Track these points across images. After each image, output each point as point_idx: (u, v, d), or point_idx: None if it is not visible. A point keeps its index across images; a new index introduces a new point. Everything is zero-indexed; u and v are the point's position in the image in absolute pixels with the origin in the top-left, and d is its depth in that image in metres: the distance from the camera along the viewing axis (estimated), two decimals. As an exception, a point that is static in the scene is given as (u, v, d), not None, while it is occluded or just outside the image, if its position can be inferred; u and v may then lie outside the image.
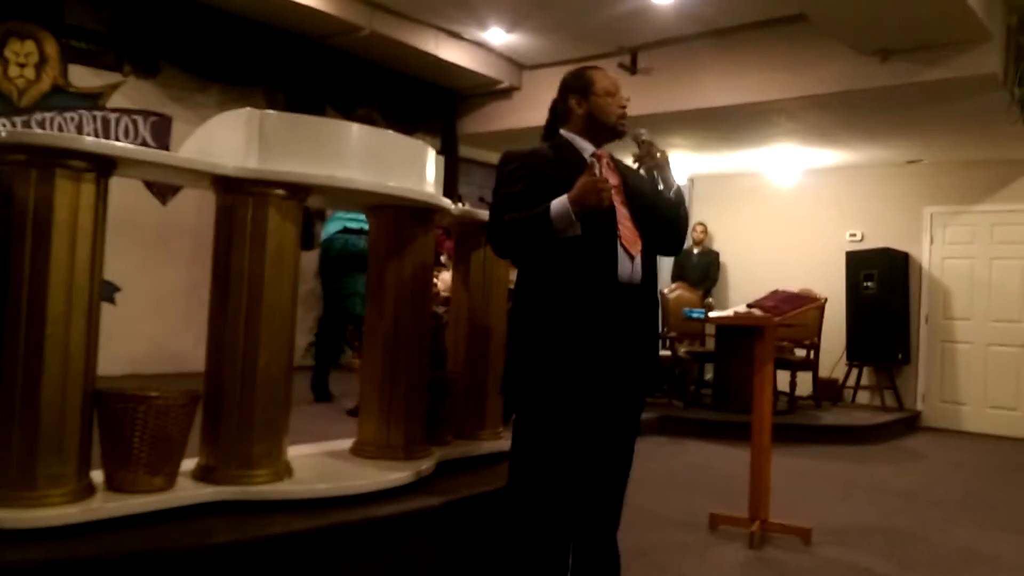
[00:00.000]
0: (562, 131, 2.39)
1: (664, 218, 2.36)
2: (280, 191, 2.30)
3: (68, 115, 5.37)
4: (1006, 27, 5.29)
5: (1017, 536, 4.08)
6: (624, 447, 2.36)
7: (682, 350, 7.28)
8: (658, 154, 2.35)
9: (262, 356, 2.26)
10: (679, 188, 2.40)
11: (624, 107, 2.36)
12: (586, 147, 2.34)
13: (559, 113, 2.41)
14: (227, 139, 2.34)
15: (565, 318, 2.16)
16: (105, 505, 2.05)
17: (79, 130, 5.36)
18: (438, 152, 7.95)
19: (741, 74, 5.98)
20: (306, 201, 2.46)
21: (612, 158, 2.41)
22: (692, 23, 5.85)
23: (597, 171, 2.15)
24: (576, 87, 2.36)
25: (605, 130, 2.35)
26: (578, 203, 2.08)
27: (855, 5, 4.70)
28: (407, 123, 7.33)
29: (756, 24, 5.82)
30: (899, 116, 6.27)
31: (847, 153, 7.85)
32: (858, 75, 5.52)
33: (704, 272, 8.59)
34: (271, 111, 2.38)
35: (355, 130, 2.55)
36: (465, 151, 8.01)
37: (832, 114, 6.31)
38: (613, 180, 2.27)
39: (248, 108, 2.33)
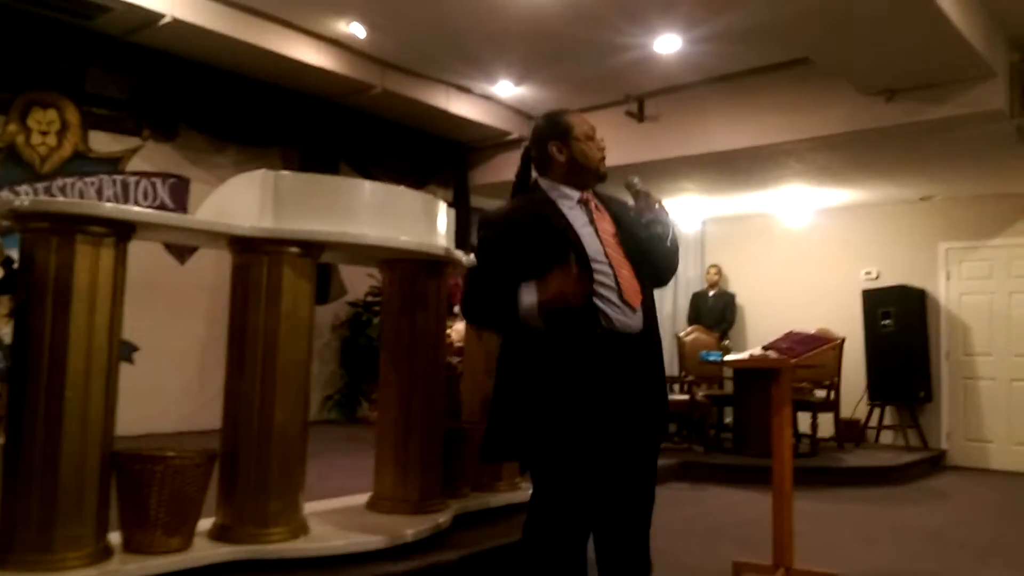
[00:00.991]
0: (541, 180, 2.29)
1: (660, 263, 2.31)
2: (294, 249, 2.35)
3: (89, 180, 5.51)
4: (1009, 63, 5.34)
5: (1050, 578, 3.98)
6: (642, 494, 2.29)
7: (700, 394, 7.22)
8: (656, 205, 2.29)
9: (278, 413, 2.28)
10: (675, 234, 2.35)
11: (603, 149, 2.30)
12: (571, 194, 2.24)
13: (536, 161, 2.31)
14: (243, 200, 2.40)
15: (564, 376, 2.07)
16: (123, 567, 2.06)
17: (99, 194, 5.48)
18: (450, 204, 8.08)
19: (747, 118, 6.05)
20: (320, 258, 2.50)
21: (599, 196, 2.33)
22: (695, 71, 5.95)
23: (572, 267, 2.03)
24: (555, 133, 2.26)
25: (589, 175, 2.27)
26: (547, 305, 2.02)
27: (858, 47, 4.76)
28: (419, 176, 7.46)
29: (759, 69, 5.90)
30: (908, 154, 6.30)
31: (858, 191, 7.86)
32: (864, 115, 5.57)
33: (720, 314, 8.56)
34: (285, 172, 2.45)
35: (367, 187, 2.61)
36: (477, 201, 8.10)
37: (840, 154, 6.35)
38: (608, 227, 2.22)
39: (263, 170, 2.39)
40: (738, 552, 3.92)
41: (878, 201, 8.23)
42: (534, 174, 2.35)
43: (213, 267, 5.66)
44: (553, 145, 2.25)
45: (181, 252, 5.68)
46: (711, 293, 8.71)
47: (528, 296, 2.03)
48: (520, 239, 2.14)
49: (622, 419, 2.14)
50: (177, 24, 5.00)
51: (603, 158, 2.30)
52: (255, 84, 6.09)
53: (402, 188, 2.72)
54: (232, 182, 2.51)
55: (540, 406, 2.09)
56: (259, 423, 2.26)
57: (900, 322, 7.80)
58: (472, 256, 2.83)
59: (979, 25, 4.69)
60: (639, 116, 6.55)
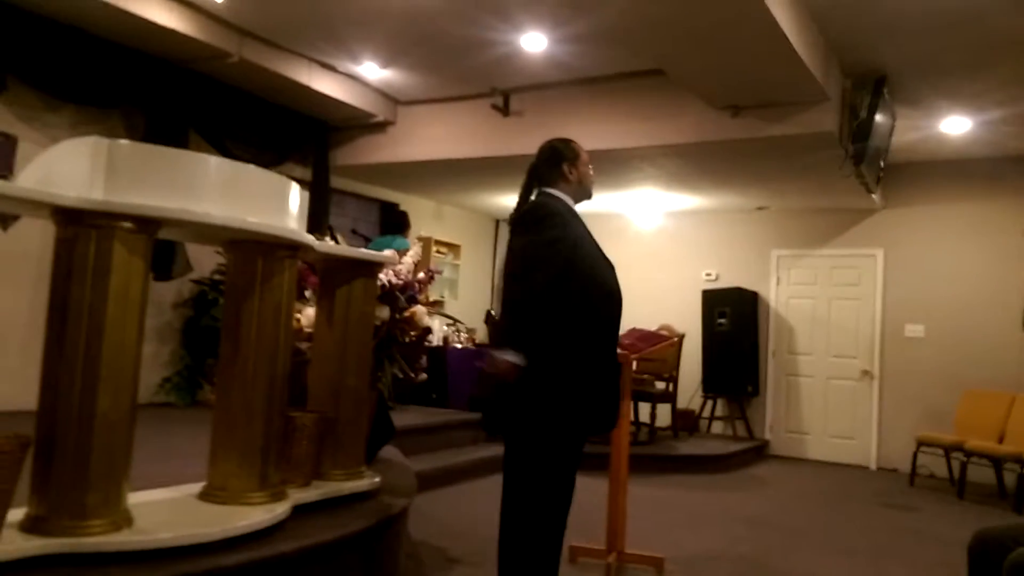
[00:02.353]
0: (550, 190, 2.74)
1: None
2: (127, 224, 2.20)
3: None
4: (842, 89, 5.82)
5: (850, 559, 4.41)
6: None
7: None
8: None
9: (101, 399, 2.13)
10: None
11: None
12: (573, 206, 2.76)
13: (544, 175, 2.76)
14: (71, 168, 2.22)
15: (595, 364, 2.59)
16: (-86, 564, 1.87)
17: (-95, 146, 4.91)
18: (309, 183, 7.81)
19: (606, 121, 6.26)
20: (157, 235, 2.36)
21: None
22: (560, 70, 6.08)
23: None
24: (569, 157, 2.77)
25: (586, 194, 2.83)
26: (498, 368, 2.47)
27: (706, 64, 5.04)
28: (277, 152, 7.18)
29: (620, 75, 6.13)
30: (748, 166, 6.75)
31: (704, 198, 8.34)
32: (712, 127, 5.91)
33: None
34: (121, 140, 2.28)
35: (213, 163, 2.49)
36: (338, 182, 7.91)
37: (689, 162, 6.71)
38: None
39: (95, 137, 2.22)
40: (575, 537, 4.08)
41: (720, 208, 8.77)
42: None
43: (41, 235, 5.21)
44: (567, 165, 2.76)
45: (3, 218, 5.20)
46: (565, 287, 8.96)
47: (513, 356, 2.47)
48: (578, 236, 2.62)
49: (608, 406, 2.69)
50: (8, -33, 4.56)
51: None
52: (98, 40, 5.63)
53: (251, 167, 2.61)
54: (61, 147, 2.32)
55: (577, 391, 2.52)
56: (79, 409, 2.11)
57: (734, 321, 8.37)
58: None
59: (817, 52, 5.08)
60: (504, 110, 6.62)
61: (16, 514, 2.16)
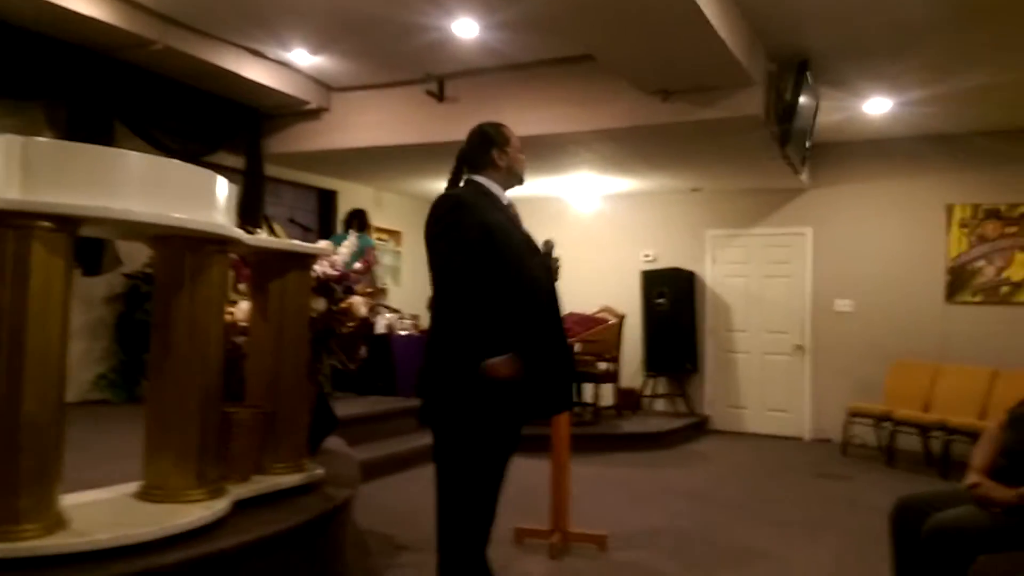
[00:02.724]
0: (476, 177, 2.67)
1: None
2: (46, 223, 2.15)
3: None
4: (767, 73, 5.97)
5: (786, 529, 4.59)
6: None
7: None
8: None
9: (27, 402, 2.09)
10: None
11: (524, 160, 2.77)
12: (502, 195, 2.68)
13: (473, 161, 2.69)
14: (-15, 167, 2.16)
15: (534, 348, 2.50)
16: None
17: None
18: (242, 171, 7.66)
19: (540, 106, 6.30)
20: (78, 233, 2.31)
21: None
22: (493, 56, 6.09)
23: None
24: (499, 141, 2.68)
25: (516, 180, 2.74)
26: (492, 373, 2.38)
27: (633, 50, 5.11)
28: (208, 141, 7.02)
29: (552, 61, 6.16)
30: (680, 149, 6.88)
31: (640, 181, 8.47)
32: (643, 112, 6.00)
33: (514, 292, 8.89)
34: (36, 138, 2.22)
35: (134, 158, 2.44)
36: (273, 171, 7.78)
37: (623, 146, 6.80)
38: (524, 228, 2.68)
39: (8, 135, 2.16)
40: (520, 519, 4.16)
41: (656, 190, 8.92)
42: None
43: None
44: (496, 151, 2.67)
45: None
46: (507, 272, 9.01)
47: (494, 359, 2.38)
48: (490, 223, 2.48)
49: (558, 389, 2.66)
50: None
51: (524, 168, 2.77)
52: (16, 30, 5.40)
53: (175, 161, 2.56)
54: (-28, 146, 2.25)
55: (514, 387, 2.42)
56: (5, 412, 2.06)
57: (673, 300, 8.55)
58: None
59: (742, 37, 5.20)
60: (439, 96, 6.60)
61: (-60, 523, 2.11)
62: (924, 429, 6.72)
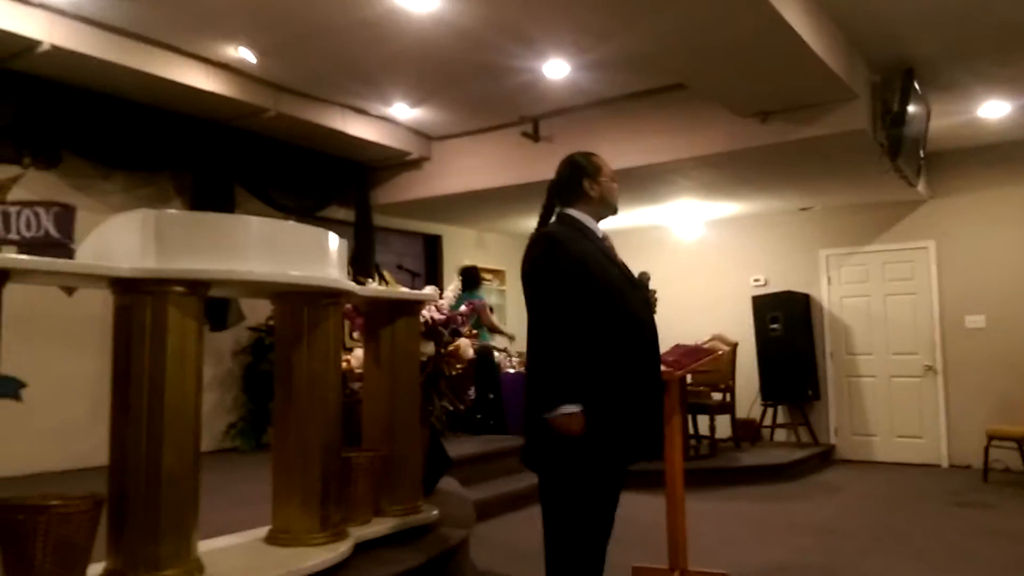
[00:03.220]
0: (569, 211, 2.62)
1: None
2: (179, 288, 2.34)
3: (-35, 211, 5.23)
4: (871, 85, 5.77)
5: (923, 563, 4.30)
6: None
7: (604, 403, 7.42)
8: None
9: (166, 456, 2.26)
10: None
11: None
12: (595, 227, 2.62)
13: (565, 192, 2.64)
14: (123, 240, 2.37)
15: (634, 392, 2.48)
16: (6, 622, 2.00)
17: (-24, 225, 5.21)
18: (352, 223, 8.00)
19: (635, 138, 6.30)
20: (207, 294, 2.50)
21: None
22: (583, 95, 6.16)
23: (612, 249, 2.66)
24: (590, 172, 2.63)
25: (609, 210, 2.67)
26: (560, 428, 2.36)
27: (726, 74, 5.06)
28: (319, 197, 7.40)
29: (643, 93, 6.17)
30: (784, 169, 6.70)
31: (743, 204, 8.29)
32: (741, 136, 5.91)
33: (621, 325, 8.82)
34: (168, 211, 2.44)
35: (254, 223, 2.62)
36: (381, 220, 8.11)
37: (723, 171, 6.70)
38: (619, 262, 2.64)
39: (144, 209, 2.37)
40: (638, 557, 4.08)
41: (762, 212, 8.70)
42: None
43: (103, 299, 5.46)
44: (587, 181, 2.61)
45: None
46: (612, 304, 8.97)
47: (569, 407, 2.35)
48: (587, 260, 2.47)
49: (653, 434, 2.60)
50: (56, 51, 4.84)
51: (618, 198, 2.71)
52: (142, 108, 5.93)
53: (290, 223, 2.74)
54: (112, 221, 2.48)
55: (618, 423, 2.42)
56: (147, 466, 2.24)
57: (787, 326, 8.25)
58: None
59: (840, 51, 5.06)
60: (535, 137, 6.72)
61: (95, 568, 2.30)
62: (1077, 451, 6.17)
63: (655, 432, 2.57)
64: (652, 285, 2.80)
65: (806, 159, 6.29)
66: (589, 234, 2.58)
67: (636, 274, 2.67)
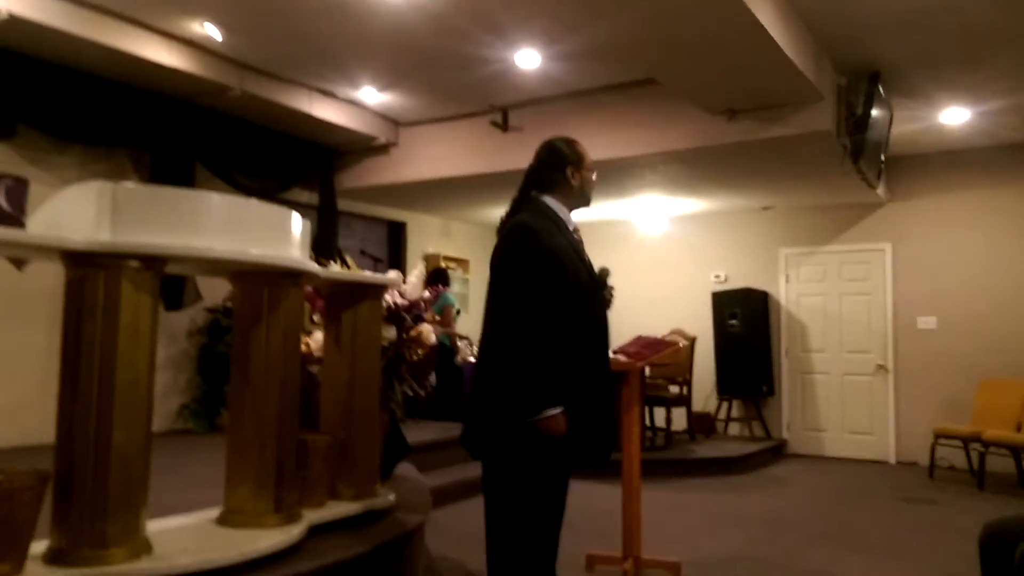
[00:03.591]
0: (544, 198, 2.51)
1: None
2: (134, 263, 2.29)
3: (-90, 179, 5.05)
4: (836, 87, 5.86)
5: (869, 556, 4.41)
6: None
7: (564, 394, 7.46)
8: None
9: (116, 433, 2.21)
10: None
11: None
12: (568, 218, 2.53)
13: (544, 180, 2.53)
14: (77, 212, 2.31)
15: (594, 381, 2.43)
16: (-57, 599, 1.95)
17: (-78, 194, 5.04)
18: (316, 207, 7.92)
19: (604, 132, 6.32)
20: (164, 271, 2.45)
21: None
22: (555, 85, 6.16)
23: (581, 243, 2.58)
24: (573, 160, 2.53)
25: (584, 201, 2.58)
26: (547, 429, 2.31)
27: (697, 70, 5.09)
28: (283, 179, 7.30)
29: (613, 86, 6.20)
30: (749, 168, 6.78)
31: (708, 201, 8.38)
32: (709, 132, 5.96)
33: (583, 317, 8.88)
34: (125, 183, 2.37)
35: (214, 199, 2.57)
36: (345, 205, 8.02)
37: (690, 167, 6.76)
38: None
39: (99, 181, 2.31)
40: (593, 544, 4.13)
41: (725, 210, 8.80)
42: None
43: (55, 274, 5.33)
44: (570, 169, 2.52)
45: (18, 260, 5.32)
46: (575, 296, 9.02)
47: (552, 410, 2.30)
48: (562, 259, 2.39)
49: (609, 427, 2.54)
50: (14, 20, 4.68)
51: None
52: (101, 82, 5.77)
53: (253, 200, 2.69)
54: (66, 192, 2.41)
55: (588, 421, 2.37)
56: (95, 443, 2.19)
57: (746, 322, 8.38)
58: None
59: (808, 53, 5.13)
60: (503, 126, 6.71)
61: (38, 547, 2.24)
62: (1016, 450, 6.37)
63: (613, 430, 2.56)
64: (610, 281, 2.73)
65: (770, 158, 6.37)
66: (562, 226, 2.49)
67: (597, 269, 2.59)
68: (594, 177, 2.60)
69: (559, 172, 2.52)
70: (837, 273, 8.40)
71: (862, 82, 5.71)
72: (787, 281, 8.65)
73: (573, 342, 2.36)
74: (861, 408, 8.14)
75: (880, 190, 7.52)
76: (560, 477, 2.45)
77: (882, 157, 6.60)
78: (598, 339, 2.46)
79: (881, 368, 8.05)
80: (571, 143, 2.59)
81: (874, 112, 5.73)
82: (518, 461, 2.38)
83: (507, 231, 2.45)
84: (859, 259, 8.26)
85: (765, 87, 5.33)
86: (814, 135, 5.74)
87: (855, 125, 5.77)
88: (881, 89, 5.73)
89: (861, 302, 8.24)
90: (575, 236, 2.55)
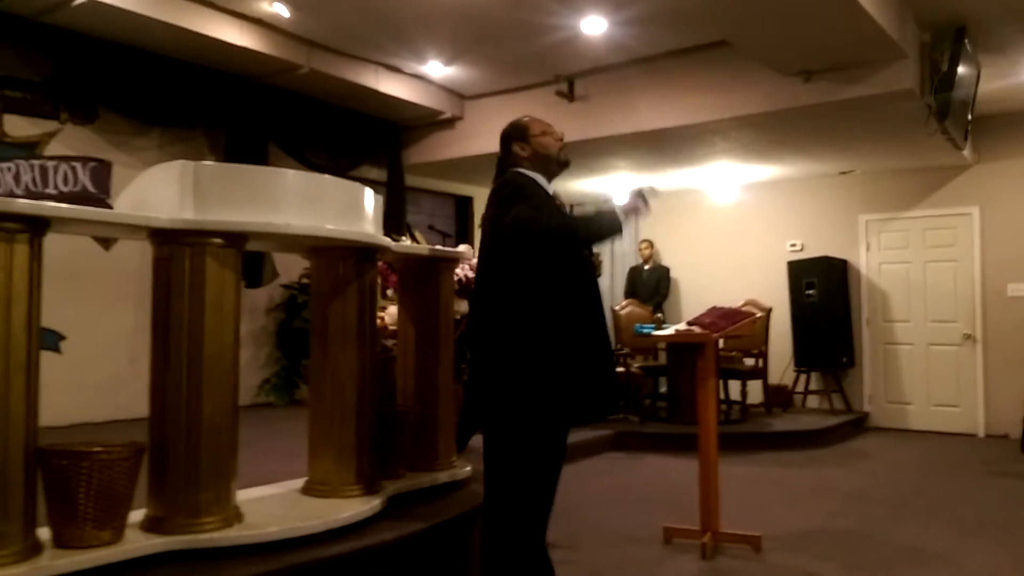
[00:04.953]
0: (520, 169, 2.57)
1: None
2: (217, 240, 2.35)
3: (4, 166, 5.25)
4: (919, 44, 5.57)
5: (955, 532, 4.25)
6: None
7: (635, 365, 7.41)
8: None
9: (206, 405, 2.29)
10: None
11: (561, 139, 2.61)
12: (546, 185, 2.56)
13: (505, 162, 2.60)
14: (162, 191, 2.38)
15: (584, 348, 2.39)
16: (53, 563, 2.05)
17: (16, 180, 5.25)
18: (384, 183, 8.00)
19: (673, 98, 6.17)
20: (245, 247, 2.50)
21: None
22: (622, 52, 6.03)
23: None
24: (516, 135, 2.59)
25: (552, 162, 2.59)
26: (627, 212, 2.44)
27: (773, 30, 4.91)
28: (352, 156, 7.39)
29: (682, 51, 6.03)
30: (826, 131, 6.53)
31: (782, 167, 8.11)
32: (783, 95, 5.75)
33: (654, 287, 8.77)
34: (206, 162, 2.43)
35: (291, 176, 2.61)
36: (412, 180, 8.08)
37: (763, 132, 6.55)
38: None
39: (182, 161, 2.37)
40: (669, 518, 4.09)
41: (801, 176, 8.51)
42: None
43: (140, 253, 5.53)
44: (516, 145, 2.58)
45: (105, 239, 5.54)
46: (646, 267, 8.91)
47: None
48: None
49: (606, 392, 2.48)
50: (93, 4, 4.84)
51: (561, 147, 2.61)
52: (177, 64, 5.93)
53: (327, 177, 2.73)
54: (150, 172, 2.48)
55: (564, 378, 2.34)
56: (187, 415, 2.27)
57: (824, 291, 8.12)
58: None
59: (890, 9, 4.88)
60: (569, 96, 6.62)
61: (136, 515, 2.34)
62: (1121, 423, 6.02)
63: (610, 392, 2.50)
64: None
65: (849, 120, 6.12)
66: (538, 188, 2.54)
67: None
68: (550, 137, 2.59)
69: (509, 153, 2.59)
70: (921, 239, 8.05)
71: (947, 38, 5.42)
72: (867, 249, 8.33)
73: (567, 296, 2.38)
74: (947, 379, 7.82)
75: (967, 151, 7.14)
76: (559, 436, 2.42)
77: (969, 116, 6.26)
78: (589, 293, 2.46)
79: (968, 338, 7.70)
80: (514, 122, 2.65)
81: (960, 69, 5.43)
82: (519, 422, 2.35)
83: (500, 185, 2.53)
84: (945, 224, 7.89)
85: (844, 46, 5.10)
86: (896, 95, 5.48)
87: (940, 83, 5.49)
88: (968, 45, 5.42)
89: (947, 269, 7.88)
90: (555, 201, 2.57)
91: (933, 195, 7.94)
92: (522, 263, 2.35)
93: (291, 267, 6.74)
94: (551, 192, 2.58)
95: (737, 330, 3.88)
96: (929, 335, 7.98)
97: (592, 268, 2.56)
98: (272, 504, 2.73)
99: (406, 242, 3.57)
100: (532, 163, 2.56)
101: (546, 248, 2.36)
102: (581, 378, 2.36)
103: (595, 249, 2.59)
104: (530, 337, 2.33)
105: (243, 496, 2.62)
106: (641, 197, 2.48)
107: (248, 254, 2.95)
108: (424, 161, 7.81)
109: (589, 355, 2.39)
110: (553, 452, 2.40)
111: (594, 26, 5.49)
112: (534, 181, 2.53)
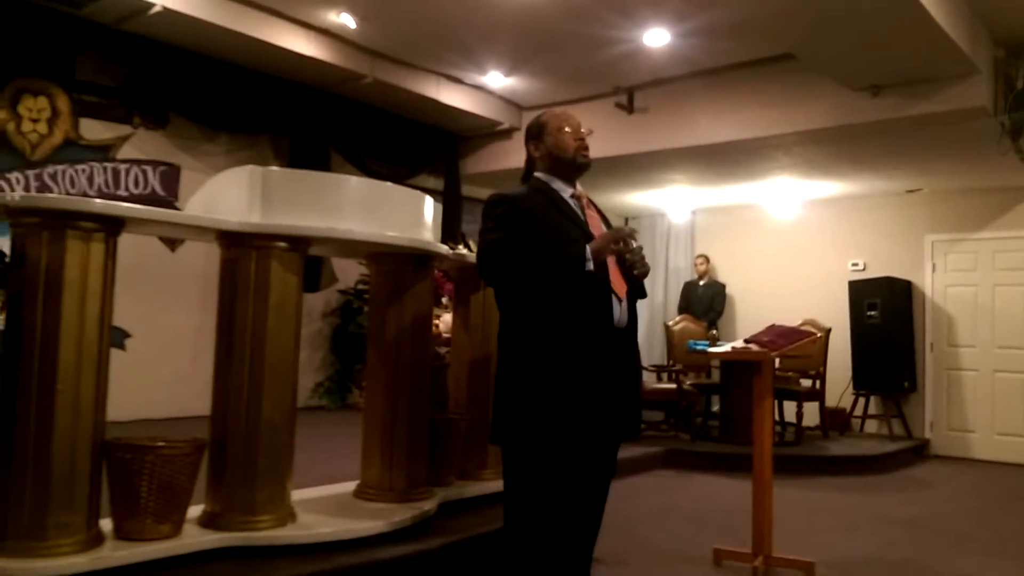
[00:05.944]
0: (537, 174, 2.45)
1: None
2: (282, 244, 2.40)
3: (79, 167, 5.52)
4: (993, 59, 5.39)
5: (1018, 563, 4.07)
6: (604, 486, 2.45)
7: (687, 382, 7.31)
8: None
9: (266, 404, 2.33)
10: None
11: (583, 138, 2.41)
12: (564, 188, 2.39)
13: (528, 167, 2.51)
14: (231, 195, 2.44)
15: (569, 363, 2.18)
16: (113, 554, 2.11)
17: (90, 182, 5.50)
18: (441, 192, 8.07)
19: (734, 111, 6.09)
20: (308, 252, 2.55)
21: (591, 200, 2.49)
22: (683, 64, 5.98)
23: (580, 210, 2.33)
24: (532, 134, 2.45)
25: (567, 164, 2.39)
26: (598, 253, 2.20)
27: (841, 44, 4.81)
28: (411, 165, 7.48)
29: (746, 63, 5.95)
30: (894, 148, 6.36)
31: (846, 184, 7.93)
32: (850, 110, 5.62)
33: (709, 304, 8.64)
34: (273, 168, 2.49)
35: (354, 183, 2.65)
36: (468, 190, 8.14)
37: (827, 148, 6.41)
38: (597, 224, 2.38)
39: (251, 166, 2.43)
40: (720, 539, 4.01)
41: (865, 193, 8.30)
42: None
43: (205, 255, 5.68)
44: (531, 144, 2.45)
45: (172, 239, 5.72)
46: (701, 283, 8.79)
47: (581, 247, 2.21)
48: (529, 211, 2.29)
49: (607, 410, 2.24)
50: (167, 13, 5.02)
51: (581, 147, 2.41)
52: (245, 72, 6.10)
53: (389, 184, 2.77)
54: (221, 177, 2.56)
55: (547, 393, 2.18)
56: (247, 414, 2.32)
57: (886, 313, 7.89)
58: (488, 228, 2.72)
59: (963, 23, 4.74)
60: (629, 108, 6.59)
61: (194, 511, 2.40)
62: None
63: (617, 413, 2.28)
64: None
65: (918, 137, 5.95)
66: (552, 195, 2.36)
67: (613, 227, 2.40)
68: (567, 135, 2.39)
69: (528, 154, 2.47)
70: (990, 262, 7.77)
71: (1022, 54, 5.24)
72: (933, 270, 8.08)
73: (555, 293, 2.20)
74: (1014, 408, 7.51)
75: (1042, 171, 6.88)
76: (551, 455, 2.22)
77: (1046, 135, 6.03)
78: (586, 291, 2.23)
79: (1039, 366, 7.39)
80: (535, 118, 2.50)
81: (1037, 86, 5.24)
82: (520, 439, 2.23)
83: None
84: (1015, 247, 7.60)
85: (914, 60, 4.97)
86: (968, 112, 5.31)
87: (1015, 101, 5.31)
88: (1046, 61, 5.23)
89: (1017, 294, 7.58)
90: (574, 200, 2.39)
91: (1004, 216, 7.66)
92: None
93: (348, 273, 6.84)
94: (568, 195, 2.37)
95: (796, 350, 3.80)
96: (995, 362, 7.68)
97: (605, 282, 2.26)
98: (324, 505, 2.76)
99: (462, 251, 3.58)
100: (546, 165, 2.40)
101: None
102: (548, 398, 2.16)
103: (634, 259, 2.27)
104: (511, 356, 2.27)
105: (296, 497, 2.66)
106: (618, 241, 2.23)
107: (308, 258, 3.01)
108: (481, 171, 7.86)
109: (563, 375, 2.17)
110: (547, 472, 2.20)
111: (656, 38, 5.46)
112: (547, 188, 2.36)
